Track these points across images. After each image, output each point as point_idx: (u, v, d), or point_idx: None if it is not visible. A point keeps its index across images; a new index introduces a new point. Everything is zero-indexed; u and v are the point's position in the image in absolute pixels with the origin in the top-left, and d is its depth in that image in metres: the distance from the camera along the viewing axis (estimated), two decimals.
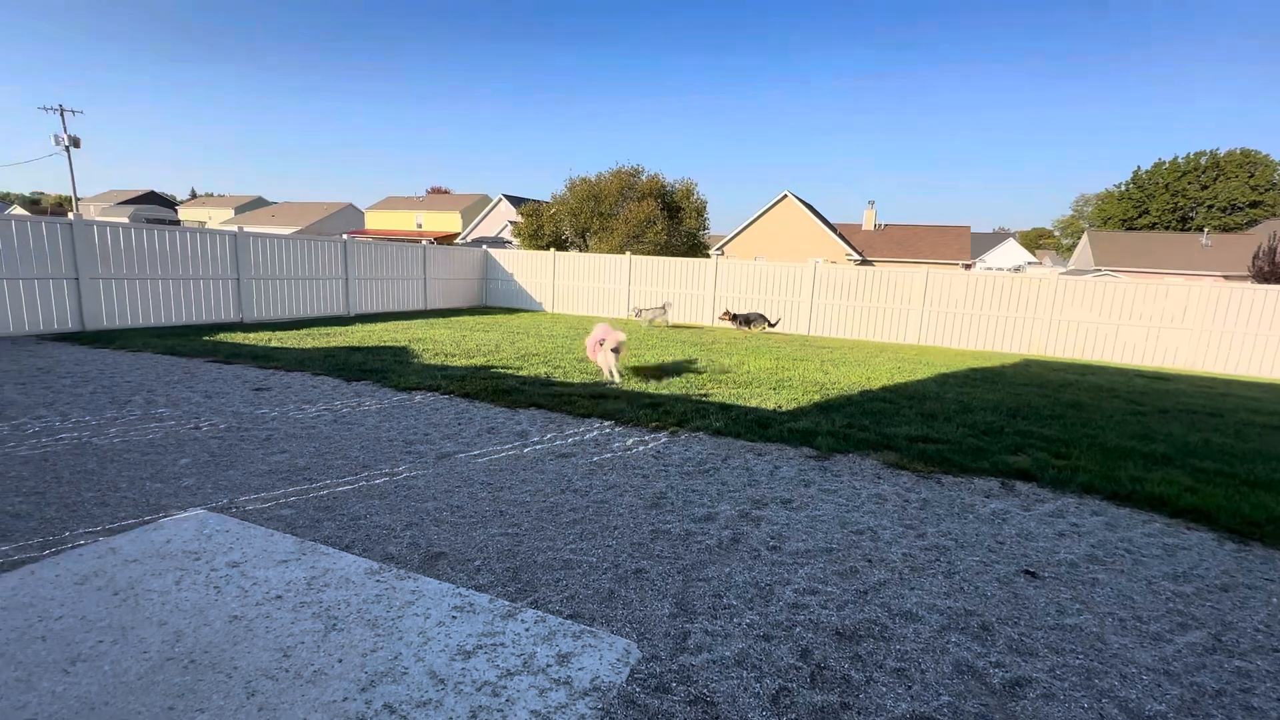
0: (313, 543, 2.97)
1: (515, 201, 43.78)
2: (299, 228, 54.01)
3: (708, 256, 30.57)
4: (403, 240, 22.55)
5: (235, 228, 12.51)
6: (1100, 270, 34.22)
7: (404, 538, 3.11)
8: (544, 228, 28.57)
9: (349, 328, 11.66)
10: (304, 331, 10.79)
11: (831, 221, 39.26)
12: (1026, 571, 3.10)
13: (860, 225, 41.89)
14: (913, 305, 14.43)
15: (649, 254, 24.87)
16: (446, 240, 46.44)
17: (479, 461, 4.31)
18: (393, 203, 58.48)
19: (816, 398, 6.82)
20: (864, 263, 35.50)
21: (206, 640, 2.20)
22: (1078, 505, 4.06)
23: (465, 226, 50.61)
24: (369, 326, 11.96)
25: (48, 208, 71.65)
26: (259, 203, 71.43)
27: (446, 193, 61.41)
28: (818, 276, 15.09)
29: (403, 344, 9.66)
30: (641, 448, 4.79)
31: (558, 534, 3.23)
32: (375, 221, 56.79)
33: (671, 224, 27.45)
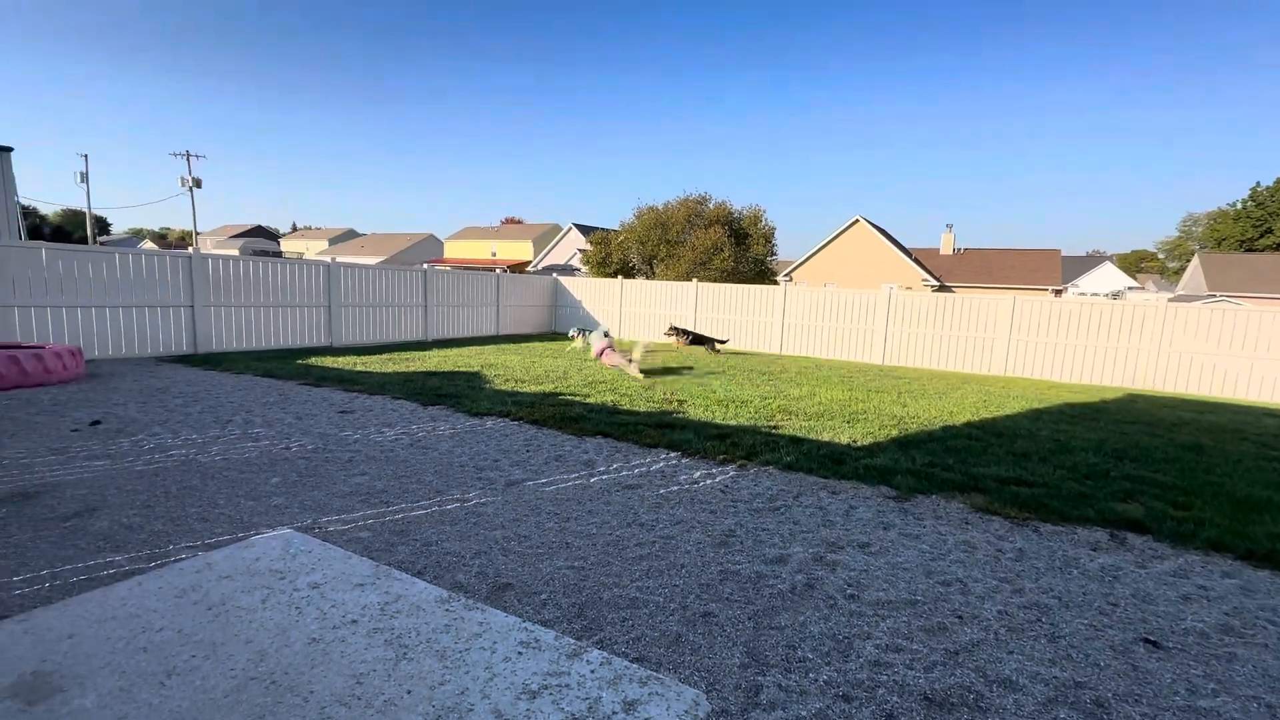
0: (387, 567, 3.03)
1: (584, 230, 45.00)
2: (384, 257, 57.60)
3: (775, 283, 30.18)
4: (478, 268, 23.52)
5: (329, 259, 13.46)
6: (1215, 296, 31.18)
7: (473, 566, 3.14)
8: (612, 255, 29.11)
9: (427, 352, 12.20)
10: (386, 356, 11.38)
11: (906, 246, 37.92)
12: (1146, 640, 2.76)
13: (938, 250, 40.23)
14: (997, 333, 13.59)
15: (715, 281, 24.81)
16: (518, 268, 48.17)
17: (546, 490, 4.33)
18: (469, 233, 61.46)
19: (894, 432, 6.48)
20: (942, 288, 33.96)
21: (287, 662, 2.27)
22: (1204, 564, 3.60)
23: (536, 255, 52.39)
24: (445, 351, 12.48)
25: (172, 242, 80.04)
26: (350, 234, 76.88)
27: (519, 222, 64.01)
28: (893, 303, 14.52)
29: (476, 369, 9.99)
30: (709, 481, 4.67)
31: (623, 570, 3.16)
32: (453, 250, 59.80)
33: (738, 250, 27.32)
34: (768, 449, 5.52)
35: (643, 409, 7.24)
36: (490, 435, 5.79)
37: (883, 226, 37.61)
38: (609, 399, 7.74)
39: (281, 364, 9.75)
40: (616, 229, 30.28)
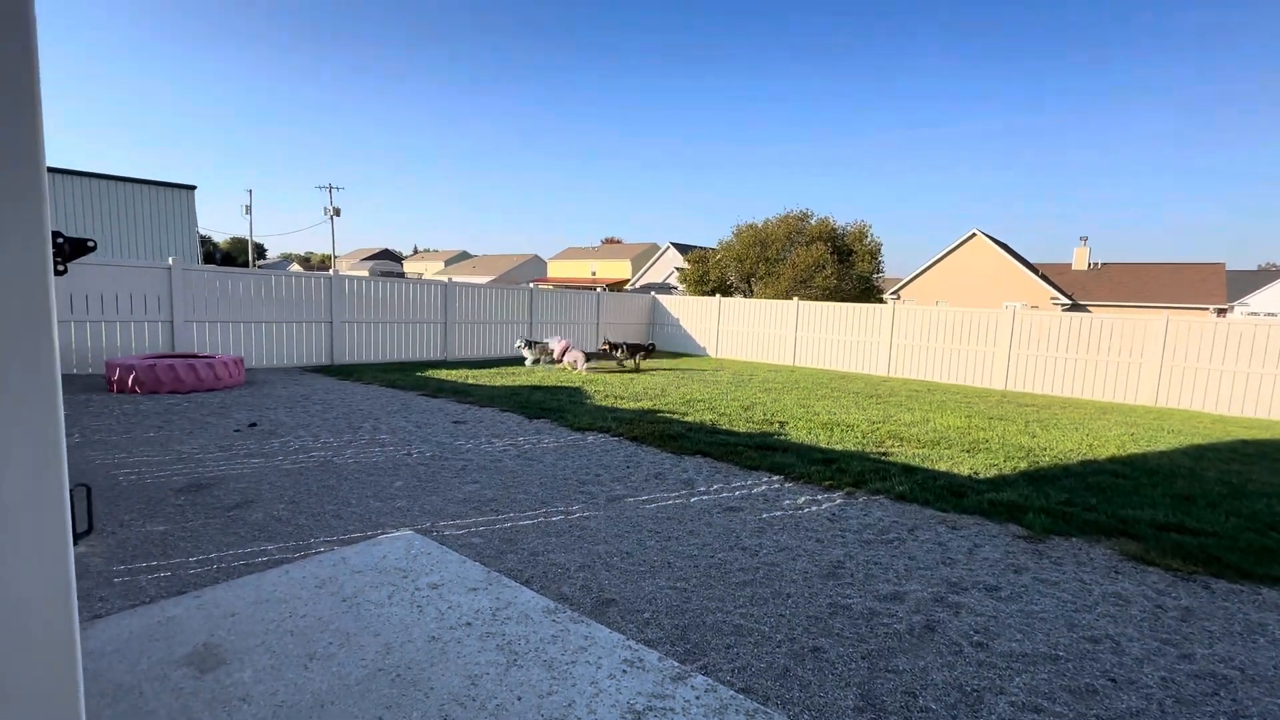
0: (497, 574, 3.17)
1: (682, 249, 45.37)
2: (493, 277, 61.19)
3: (882, 301, 28.77)
4: (579, 287, 24.35)
5: (445, 279, 14.51)
6: None
7: (577, 579, 3.20)
8: (709, 274, 29.09)
9: (531, 368, 12.75)
10: (494, 370, 12.02)
11: (1031, 262, 34.84)
12: None
13: (1069, 265, 36.60)
14: (1145, 358, 12.07)
15: (817, 299, 24.05)
16: (617, 287, 49.36)
17: (647, 508, 4.34)
18: (571, 253, 63.89)
19: (1023, 465, 5.90)
20: (1074, 307, 30.80)
21: (409, 657, 2.42)
22: None
23: (634, 273, 53.45)
24: (548, 367, 12.97)
25: (315, 265, 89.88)
26: (463, 255, 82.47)
27: (619, 242, 65.68)
28: (1017, 324, 13.34)
29: (577, 385, 10.29)
30: (814, 508, 4.48)
31: (727, 594, 3.09)
32: (555, 270, 62.39)
33: (842, 268, 26.36)
34: (877, 477, 5.22)
35: (742, 429, 7.10)
36: (591, 450, 5.92)
37: (1003, 240, 34.87)
38: (707, 418, 7.68)
39: (403, 375, 10.56)
40: (714, 247, 30.26)
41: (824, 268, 25.38)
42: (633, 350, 13.42)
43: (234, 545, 3.45)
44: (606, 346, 13.68)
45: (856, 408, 9.10)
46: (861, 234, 27.78)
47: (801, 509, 4.44)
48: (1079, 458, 6.37)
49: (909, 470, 5.51)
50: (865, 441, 6.68)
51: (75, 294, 9.29)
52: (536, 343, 13.50)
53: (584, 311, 17.46)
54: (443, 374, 10.98)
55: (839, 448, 6.34)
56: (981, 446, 6.68)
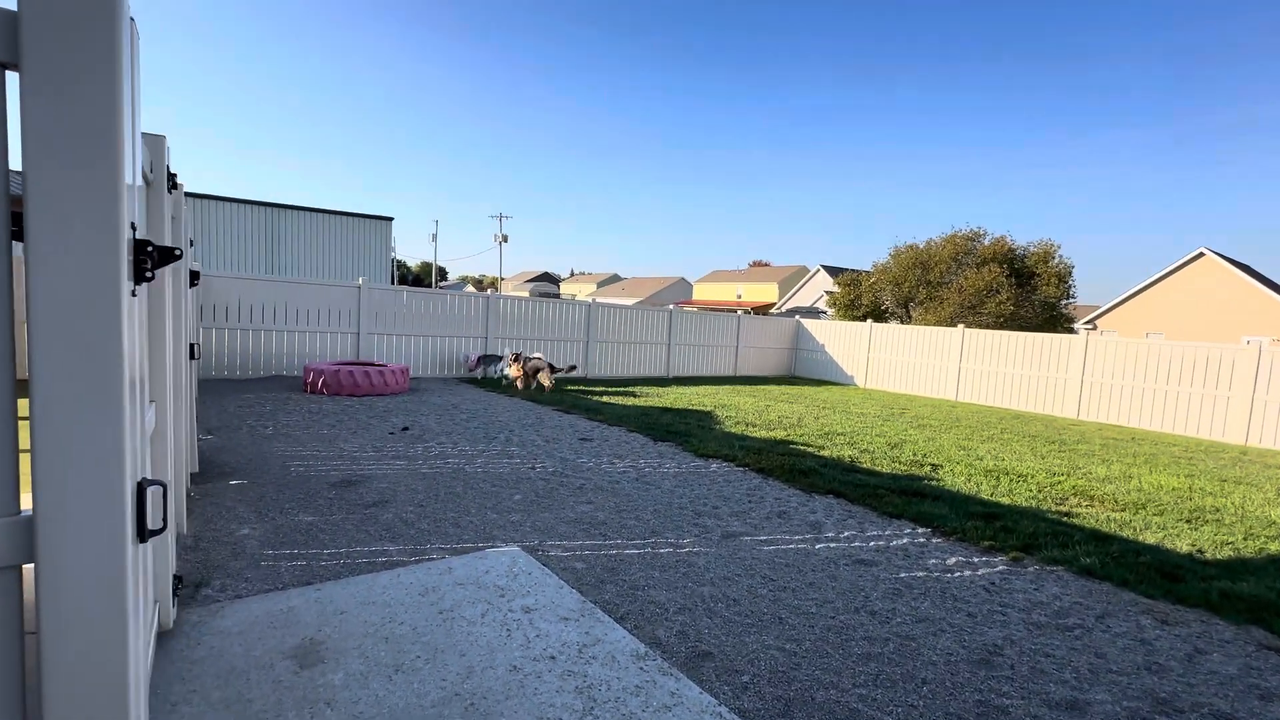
0: (593, 605, 3.02)
1: (833, 272, 43.28)
2: (641, 298, 63.12)
3: (1072, 331, 24.95)
4: (724, 310, 24.12)
5: (589, 299, 15.10)
6: None
7: (675, 623, 2.93)
8: (862, 297, 27.31)
9: (665, 388, 12.72)
10: (629, 389, 12.16)
11: None
12: None
13: None
14: None
15: (989, 327, 21.42)
16: (762, 310, 48.33)
17: (764, 550, 3.95)
18: (717, 275, 63.94)
19: (1273, 548, 4.54)
20: None
21: (487, 685, 2.33)
22: None
23: (781, 297, 52.02)
24: (682, 389, 12.86)
25: (486, 286, 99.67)
26: (614, 278, 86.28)
27: (766, 265, 64.47)
28: (1265, 362, 10.65)
29: (708, 409, 10.02)
30: (968, 572, 3.77)
31: (844, 668, 2.63)
32: (701, 293, 62.76)
33: (1021, 293, 23.26)
34: (1055, 542, 4.30)
35: (885, 469, 6.35)
36: (713, 479, 5.62)
37: (1242, 261, 28.55)
38: (846, 454, 6.99)
39: (541, 391, 11.06)
40: (868, 270, 28.39)
41: (998, 292, 22.60)
42: (550, 369, 11.16)
43: (363, 542, 3.68)
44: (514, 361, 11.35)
45: (1033, 455, 7.76)
46: (1046, 254, 24.38)
47: (951, 572, 3.76)
48: None
49: (1100, 538, 4.48)
50: (1042, 497, 5.61)
51: (289, 308, 11.02)
52: (499, 357, 12.37)
53: (723, 334, 17.18)
54: (581, 391, 11.32)
55: (1006, 501, 5.38)
56: (1209, 517, 5.28)
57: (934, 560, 3.94)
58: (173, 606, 2.54)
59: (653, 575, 3.45)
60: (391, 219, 29.23)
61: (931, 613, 3.19)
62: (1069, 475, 6.60)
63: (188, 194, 22.30)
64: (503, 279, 73.48)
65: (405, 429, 7.00)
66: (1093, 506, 5.40)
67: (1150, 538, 4.58)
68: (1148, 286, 29.15)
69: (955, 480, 6.04)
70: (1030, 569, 3.88)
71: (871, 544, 4.17)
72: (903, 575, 3.66)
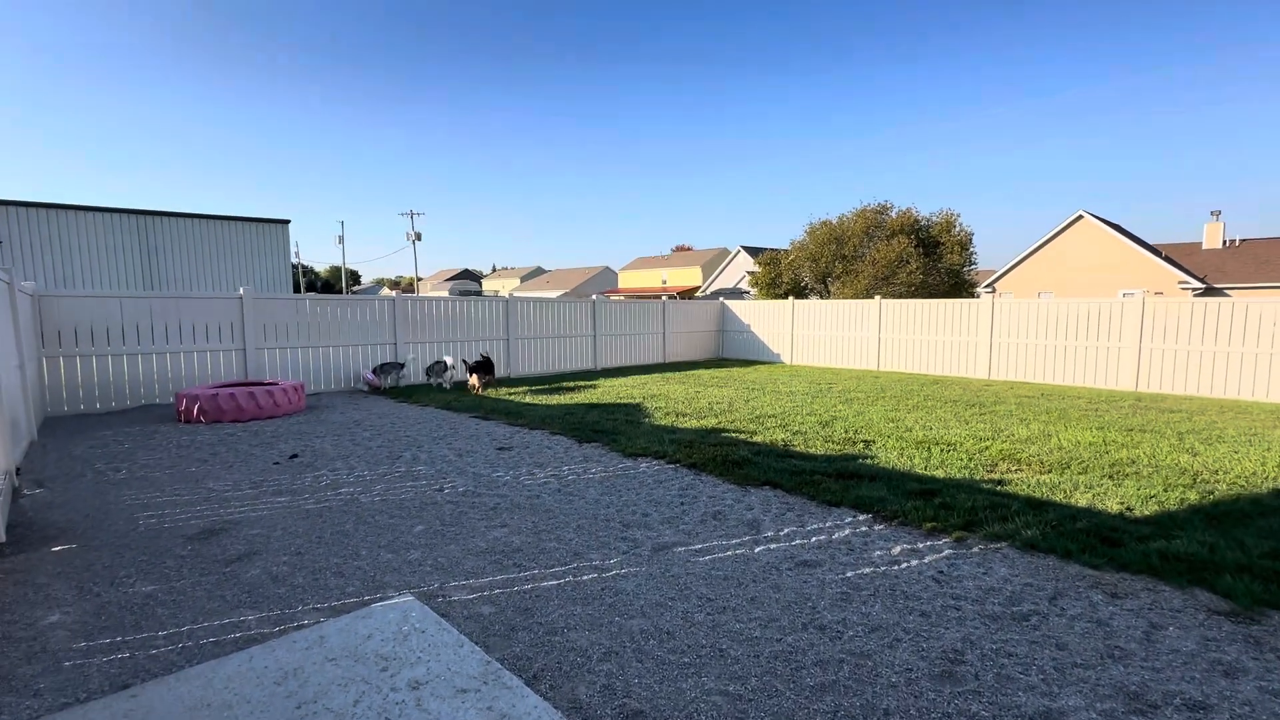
0: (498, 666, 2.49)
1: (753, 252, 44.00)
2: (566, 290, 62.05)
3: (975, 296, 26.39)
4: (650, 297, 23.79)
5: (506, 294, 14.32)
6: None
7: (599, 674, 2.47)
8: (782, 276, 27.75)
9: (593, 382, 12.22)
10: (554, 386, 11.57)
11: (1151, 244, 30.97)
12: None
13: (1199, 245, 32.21)
14: None
15: (902, 297, 22.23)
16: (687, 294, 48.58)
17: (700, 561, 3.55)
18: (641, 262, 63.75)
19: (1192, 497, 4.61)
20: (1209, 292, 26.98)
21: None
22: None
23: (705, 280, 52.48)
24: (610, 381, 12.39)
25: (404, 288, 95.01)
26: (538, 271, 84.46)
27: (689, 249, 64.91)
28: (1149, 314, 11.41)
29: (637, 400, 9.61)
30: (915, 561, 3.53)
31: (798, 708, 2.26)
32: (627, 281, 62.42)
33: (928, 262, 24.30)
34: (995, 516, 4.16)
35: (820, 450, 6.15)
36: (643, 481, 5.19)
37: (1116, 222, 31.19)
38: (779, 437, 6.76)
39: (460, 395, 10.29)
40: (787, 249, 28.88)
41: (908, 262, 23.48)
42: (479, 368, 10.93)
43: (214, 614, 2.98)
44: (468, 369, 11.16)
45: (957, 420, 7.85)
46: (949, 224, 25.57)
47: (898, 564, 3.50)
48: (1270, 484, 4.96)
49: (1036, 505, 4.40)
50: (973, 465, 5.55)
51: (159, 327, 9.65)
52: (401, 365, 11.69)
53: (650, 322, 16.82)
54: (501, 393, 10.63)
55: (940, 474, 5.27)
56: (1128, 470, 5.38)
57: (879, 552, 3.67)
58: None
59: (574, 612, 2.97)
60: (288, 221, 26.88)
61: (884, 618, 2.88)
62: (994, 439, 6.65)
63: (37, 204, 19.39)
64: (420, 279, 70.17)
65: (294, 456, 6.14)
66: (1021, 471, 5.39)
67: (1081, 499, 4.55)
68: (1036, 250, 31.29)
69: (889, 456, 5.91)
70: (975, 549, 3.69)
71: (813, 540, 3.87)
72: (849, 575, 3.36)
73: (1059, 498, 4.60)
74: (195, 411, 8.06)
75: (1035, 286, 30.73)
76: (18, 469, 5.31)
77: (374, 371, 11.23)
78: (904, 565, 3.48)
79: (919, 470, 5.40)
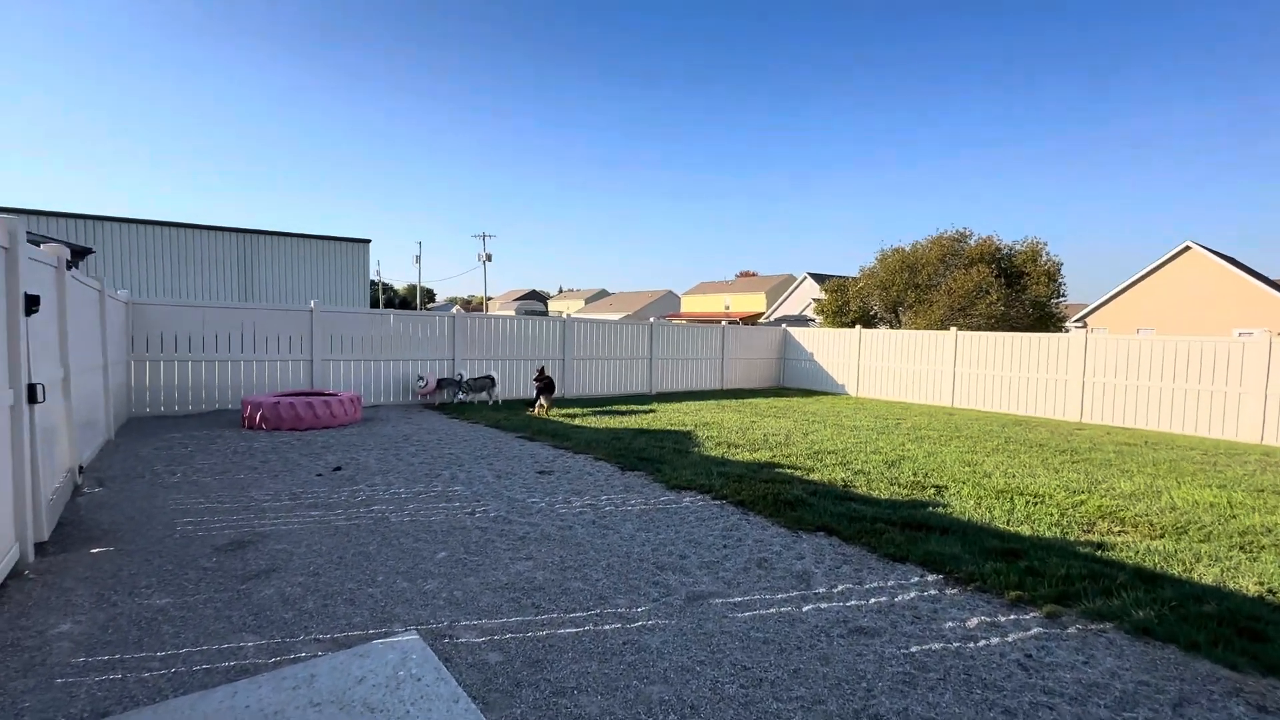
0: None
1: (819, 279, 42.88)
2: (628, 313, 62.45)
3: (1062, 330, 24.47)
4: (711, 321, 23.39)
5: (564, 315, 14.32)
6: None
7: None
8: (849, 304, 26.69)
9: (646, 406, 11.91)
10: (606, 408, 11.34)
11: (1273, 279, 27.85)
12: None
13: None
14: None
15: (979, 329, 20.83)
16: (750, 321, 47.75)
17: (738, 618, 3.14)
18: (704, 287, 63.47)
19: None
20: None
21: None
22: None
23: (769, 306, 51.53)
24: (664, 406, 12.05)
25: (474, 306, 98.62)
26: (602, 294, 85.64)
27: (754, 275, 64.06)
28: (1275, 355, 10.01)
29: (689, 428, 9.22)
30: (995, 639, 2.98)
31: None
32: (689, 305, 62.23)
33: (1010, 293, 22.74)
34: (1097, 589, 3.51)
35: (884, 494, 5.57)
36: (684, 517, 4.81)
37: (1228, 254, 28.30)
38: (839, 476, 6.20)
39: (511, 414, 10.22)
40: (855, 276, 27.84)
41: (987, 293, 22.05)
42: (545, 389, 10.66)
43: (216, 636, 2.83)
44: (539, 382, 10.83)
45: (1045, 468, 7.01)
46: (1034, 253, 23.91)
47: (974, 640, 2.96)
48: None
49: (1148, 579, 3.70)
50: (1065, 522, 4.84)
51: (236, 336, 10.14)
52: (457, 381, 11.62)
53: (708, 346, 16.42)
54: (552, 413, 10.49)
55: (1026, 531, 4.60)
56: (1264, 541, 4.52)
57: (951, 623, 3.13)
58: None
59: (588, 669, 2.63)
60: (369, 241, 28.41)
61: (957, 713, 2.38)
62: (1090, 493, 5.84)
63: (162, 223, 21.46)
64: (489, 298, 72.66)
65: (337, 469, 6.14)
66: (1126, 533, 4.63)
67: (1206, 574, 3.81)
68: (1136, 282, 28.82)
69: (964, 505, 5.26)
70: (1072, 630, 3.09)
71: (872, 601, 3.37)
72: (914, 650, 2.85)
73: (1176, 570, 3.87)
74: (257, 418, 8.32)
75: (1133, 323, 28.22)
76: (81, 467, 5.52)
77: (436, 384, 11.36)
78: (982, 643, 2.94)
79: (999, 525, 4.75)
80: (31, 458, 3.71)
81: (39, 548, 3.81)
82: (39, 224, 19.53)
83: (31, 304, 3.70)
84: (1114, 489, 6.05)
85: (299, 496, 5.15)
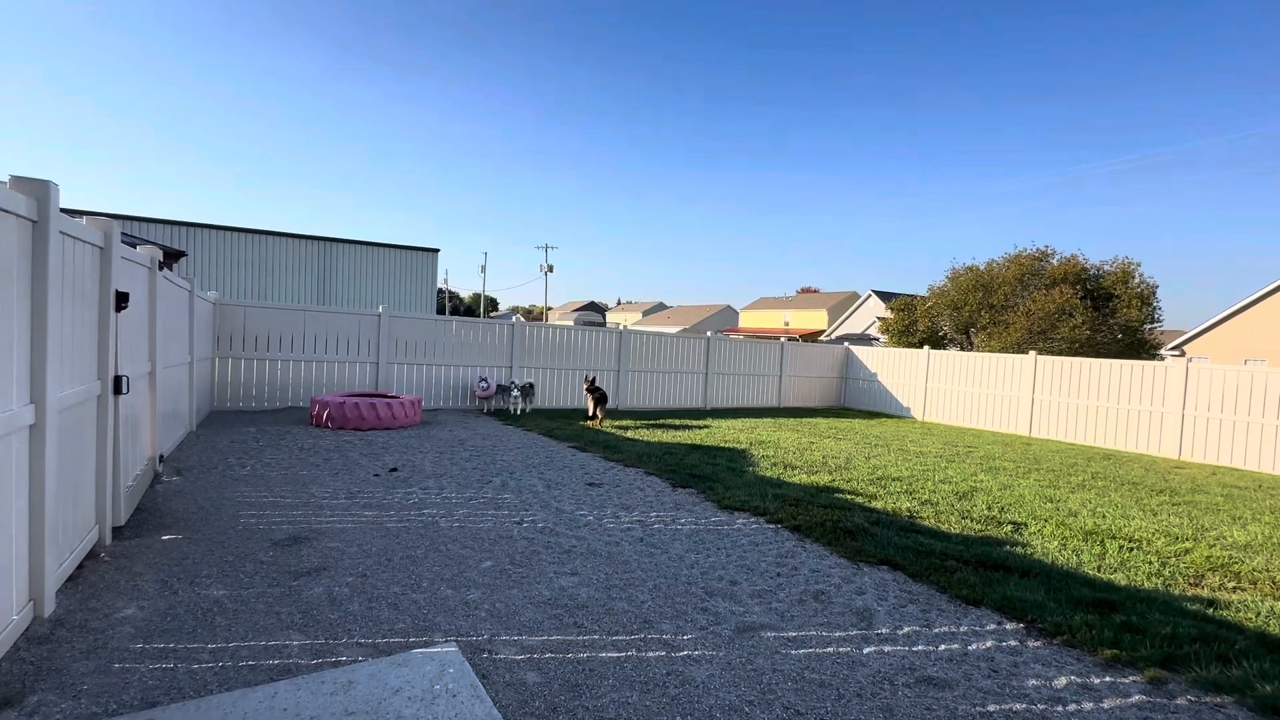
0: None
1: (885, 297, 41.44)
2: (685, 326, 62.23)
3: (1156, 358, 22.58)
4: (769, 338, 22.94)
5: (620, 326, 14.32)
6: None
7: None
8: (917, 323, 25.58)
9: (700, 421, 11.70)
10: (659, 422, 11.20)
11: None
12: None
13: None
14: None
15: (1061, 353, 19.47)
16: (811, 338, 46.59)
17: (791, 655, 2.92)
18: (764, 303, 62.53)
19: None
20: None
21: None
22: None
23: (831, 324, 50.19)
24: (718, 422, 11.80)
25: (535, 316, 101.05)
26: (660, 306, 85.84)
27: (815, 291, 62.64)
28: None
29: (743, 446, 8.96)
30: (1088, 704, 2.63)
31: None
32: (747, 320, 61.42)
33: (1097, 316, 21.19)
34: (1210, 653, 3.08)
35: (954, 528, 5.16)
36: (736, 540, 4.59)
37: None
38: (904, 506, 5.82)
39: (565, 423, 10.24)
40: (923, 295, 26.69)
41: (1071, 315, 20.64)
42: (599, 401, 10.64)
43: (265, 632, 2.86)
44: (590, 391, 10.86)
45: (1140, 510, 6.36)
46: (1125, 274, 22.24)
47: (1063, 704, 2.63)
48: None
49: (1273, 646, 3.22)
50: (1168, 573, 4.32)
51: (309, 337, 10.66)
52: (508, 388, 11.62)
53: (766, 362, 16.04)
54: (605, 424, 10.44)
55: (1121, 580, 4.13)
56: None
57: (1035, 680, 2.80)
58: None
59: (628, 700, 2.48)
60: (437, 250, 29.57)
61: None
62: (1197, 541, 5.23)
63: (249, 230, 23.29)
64: (549, 308, 74.09)
65: (394, 470, 6.26)
66: (1244, 590, 4.09)
67: None
68: (1242, 309, 26.24)
69: (1047, 546, 4.80)
70: (1181, 700, 2.70)
71: (942, 648, 3.07)
72: (991, 709, 2.55)
73: None
74: (324, 417, 8.66)
75: (1239, 353, 25.68)
76: (162, 456, 5.85)
77: (495, 389, 11.54)
78: (1072, 707, 2.60)
79: (1089, 571, 4.29)
80: (115, 446, 3.92)
81: (116, 531, 4.02)
82: (140, 229, 21.33)
83: (121, 300, 3.93)
84: (1224, 538, 5.39)
85: (355, 495, 5.26)
